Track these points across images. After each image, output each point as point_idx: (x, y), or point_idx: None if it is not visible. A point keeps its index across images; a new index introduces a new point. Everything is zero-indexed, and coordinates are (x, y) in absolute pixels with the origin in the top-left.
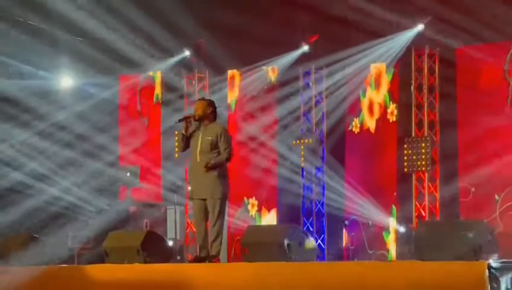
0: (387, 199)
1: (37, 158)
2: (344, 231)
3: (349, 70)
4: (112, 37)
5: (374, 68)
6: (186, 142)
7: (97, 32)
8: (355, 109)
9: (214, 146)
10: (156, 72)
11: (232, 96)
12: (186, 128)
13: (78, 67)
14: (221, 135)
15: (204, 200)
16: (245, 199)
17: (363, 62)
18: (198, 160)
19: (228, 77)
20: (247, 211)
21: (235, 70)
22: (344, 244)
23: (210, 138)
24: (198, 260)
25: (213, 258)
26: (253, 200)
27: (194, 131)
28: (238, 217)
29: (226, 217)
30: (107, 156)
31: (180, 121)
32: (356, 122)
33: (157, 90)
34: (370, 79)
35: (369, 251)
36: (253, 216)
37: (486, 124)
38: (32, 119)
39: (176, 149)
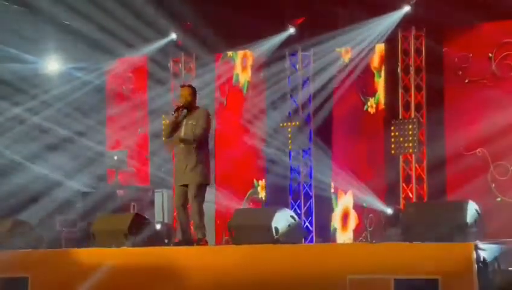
0: (375, 180)
1: (23, 141)
2: (354, 212)
3: (336, 52)
4: (99, 20)
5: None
6: (175, 128)
7: (84, 16)
8: (369, 89)
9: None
10: (143, 55)
11: (245, 77)
12: (178, 116)
13: (65, 51)
14: (201, 117)
15: (186, 186)
16: (255, 181)
17: (351, 44)
18: (181, 145)
19: (240, 57)
20: (257, 193)
21: (247, 50)
22: (355, 226)
23: (192, 122)
24: (184, 242)
25: (200, 241)
26: (262, 183)
27: (184, 117)
28: (248, 199)
29: (210, 199)
30: (94, 140)
31: (175, 112)
32: (372, 102)
33: (144, 73)
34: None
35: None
36: (263, 198)
37: (473, 104)
38: (18, 103)
39: (163, 133)
